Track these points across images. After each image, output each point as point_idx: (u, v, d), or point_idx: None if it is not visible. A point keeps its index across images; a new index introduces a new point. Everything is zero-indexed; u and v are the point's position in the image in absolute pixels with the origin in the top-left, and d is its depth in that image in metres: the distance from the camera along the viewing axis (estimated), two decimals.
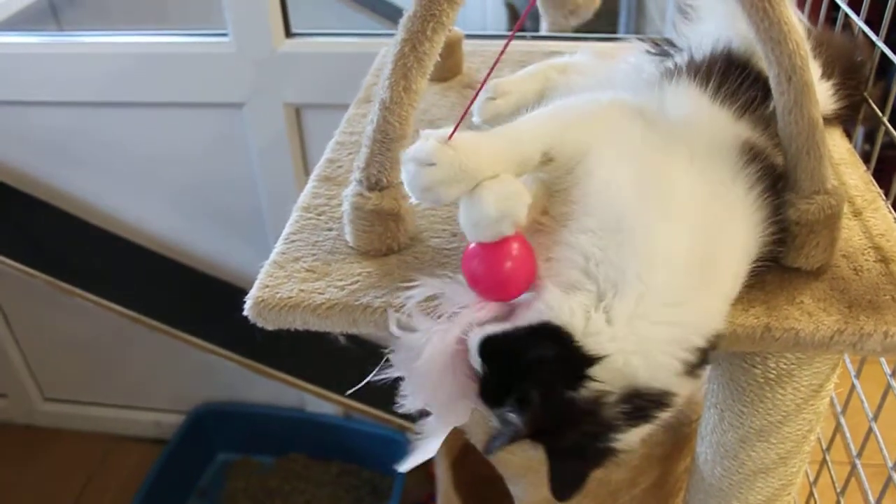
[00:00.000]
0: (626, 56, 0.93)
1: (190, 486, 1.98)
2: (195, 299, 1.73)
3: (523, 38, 1.40)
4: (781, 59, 0.66)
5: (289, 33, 1.51)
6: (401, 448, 1.86)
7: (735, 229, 0.68)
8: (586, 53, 1.00)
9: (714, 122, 0.73)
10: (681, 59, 0.83)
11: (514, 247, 0.64)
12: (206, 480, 2.01)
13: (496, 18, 2.33)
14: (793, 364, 0.75)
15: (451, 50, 1.07)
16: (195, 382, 2.03)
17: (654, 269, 0.63)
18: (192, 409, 2.02)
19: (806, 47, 0.67)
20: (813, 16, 1.14)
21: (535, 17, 1.91)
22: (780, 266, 0.73)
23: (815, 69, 0.86)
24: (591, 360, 0.61)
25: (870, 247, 0.76)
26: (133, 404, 2.13)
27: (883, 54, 0.93)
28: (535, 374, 0.62)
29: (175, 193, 1.70)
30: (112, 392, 2.13)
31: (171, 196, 1.71)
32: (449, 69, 1.08)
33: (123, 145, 1.65)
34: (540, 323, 0.62)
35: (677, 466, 1.00)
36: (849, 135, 0.97)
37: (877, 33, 0.93)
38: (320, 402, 1.95)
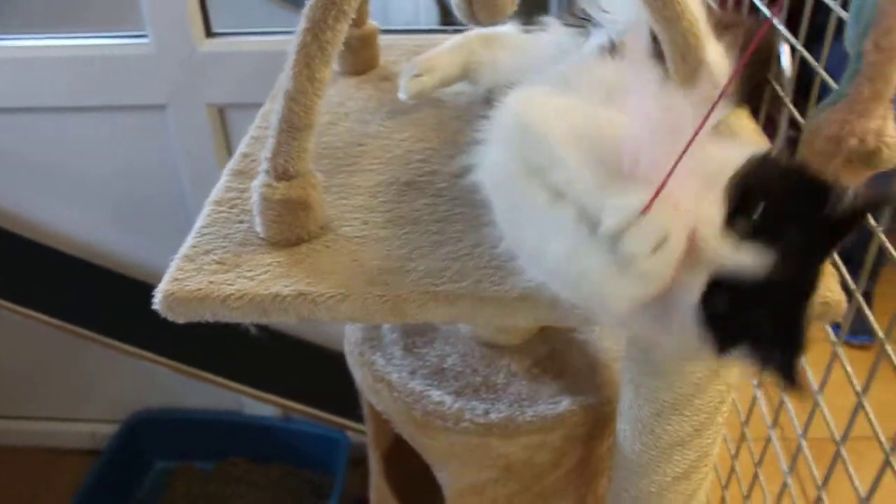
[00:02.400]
0: (547, 30, 0.94)
1: (127, 496, 1.95)
2: (125, 305, 1.70)
3: (444, 31, 1.40)
4: (675, 37, 0.68)
5: (209, 33, 1.50)
6: (341, 447, 1.87)
7: None
8: (510, 26, 1.00)
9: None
10: (608, 35, 0.84)
11: None
12: (144, 489, 1.98)
13: (428, 13, 2.34)
14: None
15: (367, 43, 1.07)
16: (130, 390, 2.00)
17: None
18: (127, 417, 1.99)
19: (701, 27, 0.69)
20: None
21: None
22: None
23: (716, 48, 0.88)
24: None
25: None
26: (68, 416, 2.09)
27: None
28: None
29: (99, 198, 1.67)
30: (46, 405, 2.09)
31: (95, 201, 1.68)
32: (365, 62, 1.08)
33: (44, 152, 1.62)
34: None
35: (600, 446, 1.01)
36: (756, 115, 1.00)
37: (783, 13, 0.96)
38: (258, 405, 1.93)
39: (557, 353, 1.03)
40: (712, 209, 0.54)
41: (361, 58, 1.07)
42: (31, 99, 1.55)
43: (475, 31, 0.99)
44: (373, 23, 1.06)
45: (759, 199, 0.54)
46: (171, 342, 1.73)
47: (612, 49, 0.81)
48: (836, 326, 0.80)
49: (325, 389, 1.83)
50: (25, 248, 1.72)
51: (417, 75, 0.94)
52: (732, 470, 1.15)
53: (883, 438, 0.74)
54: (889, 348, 0.74)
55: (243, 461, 2.00)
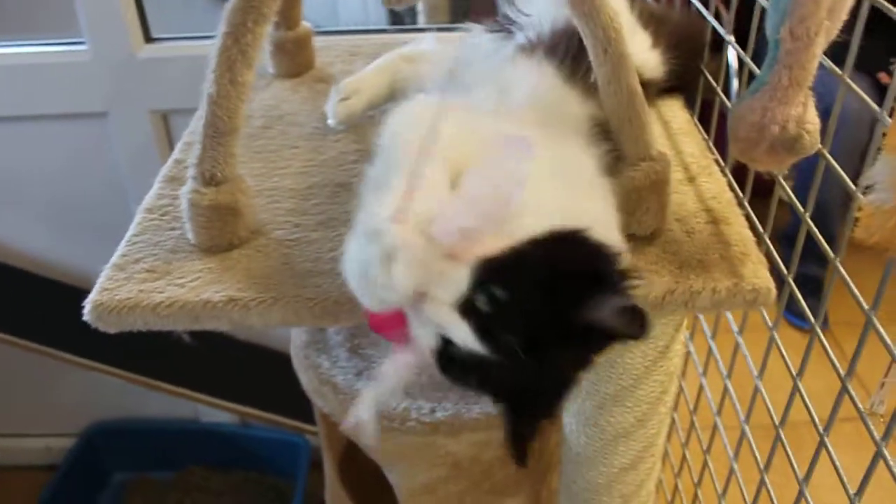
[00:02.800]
0: (468, 38, 0.94)
1: None
2: (72, 316, 1.68)
3: (384, 31, 1.40)
4: (596, 31, 0.68)
5: (148, 38, 1.47)
6: (301, 451, 1.86)
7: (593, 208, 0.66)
8: (430, 40, 1.01)
9: (563, 101, 0.74)
10: (526, 36, 0.84)
11: None
12: (103, 502, 1.95)
13: (378, 13, 2.33)
14: None
15: (301, 45, 1.06)
16: (84, 402, 1.96)
17: None
18: (82, 430, 1.96)
19: (621, 20, 0.69)
20: None
21: (415, 13, 1.93)
22: None
23: (644, 39, 0.89)
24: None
25: (702, 209, 0.79)
26: (20, 432, 2.05)
27: (715, 30, 0.96)
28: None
29: (41, 208, 1.64)
30: None
31: (36, 211, 1.65)
32: (300, 64, 1.07)
33: None
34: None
35: (549, 441, 1.01)
36: (692, 106, 1.01)
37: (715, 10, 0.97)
38: (215, 412, 1.91)
39: None
40: (458, 273, 0.55)
41: (296, 60, 1.06)
42: None
43: (398, 51, 0.99)
44: (306, 24, 1.05)
45: (500, 287, 0.55)
46: (121, 352, 1.71)
47: (531, 49, 0.81)
48: (791, 313, 0.81)
49: (283, 394, 1.81)
50: None
51: (344, 98, 0.93)
52: (684, 458, 1.16)
53: (818, 420, 0.75)
54: (820, 333, 0.75)
55: (202, 469, 1.97)
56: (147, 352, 1.75)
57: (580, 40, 0.74)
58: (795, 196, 0.82)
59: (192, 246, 0.77)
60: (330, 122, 0.95)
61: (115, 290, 0.72)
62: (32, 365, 1.79)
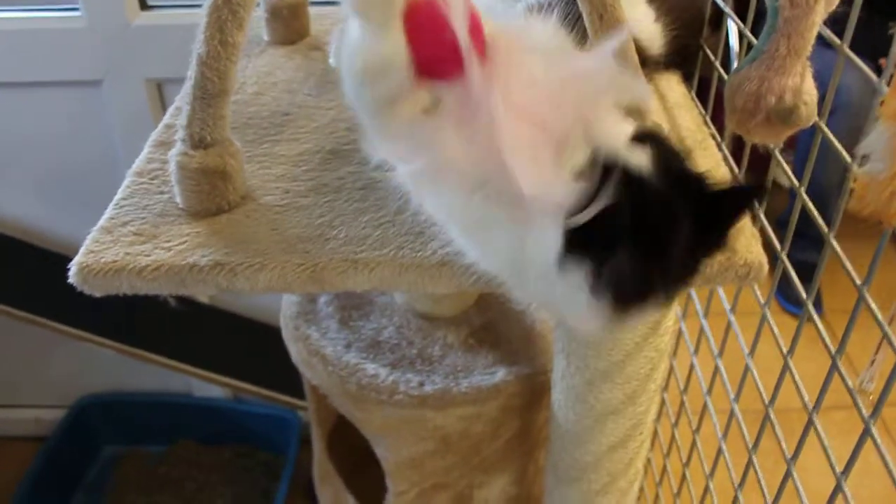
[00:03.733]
0: None
1: (75, 482, 1.92)
2: (63, 286, 1.67)
3: None
4: None
5: (144, 5, 1.46)
6: (292, 426, 1.85)
7: None
8: None
9: None
10: None
11: None
12: (92, 475, 1.94)
13: None
14: None
15: (297, 13, 1.05)
16: (75, 374, 1.96)
17: None
18: (73, 402, 1.95)
19: None
20: None
21: None
22: None
23: (647, 12, 0.88)
24: None
25: None
26: (10, 402, 2.04)
27: (716, 4, 0.95)
28: None
29: (34, 177, 1.63)
30: None
31: (30, 180, 1.63)
32: (295, 31, 1.06)
33: None
34: None
35: (538, 417, 1.01)
36: (690, 80, 1.00)
37: None
38: (207, 386, 1.91)
39: (494, 324, 1.02)
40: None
41: (291, 27, 1.05)
42: None
43: None
44: None
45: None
46: (113, 323, 1.70)
47: (541, 8, 0.79)
48: (785, 299, 0.80)
49: (275, 369, 1.81)
50: None
51: None
52: (673, 438, 1.15)
53: (807, 399, 0.74)
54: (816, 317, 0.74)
55: (194, 443, 1.97)
56: (140, 323, 1.74)
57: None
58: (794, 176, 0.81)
59: (181, 210, 0.76)
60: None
61: (101, 253, 0.72)
62: (23, 335, 1.78)
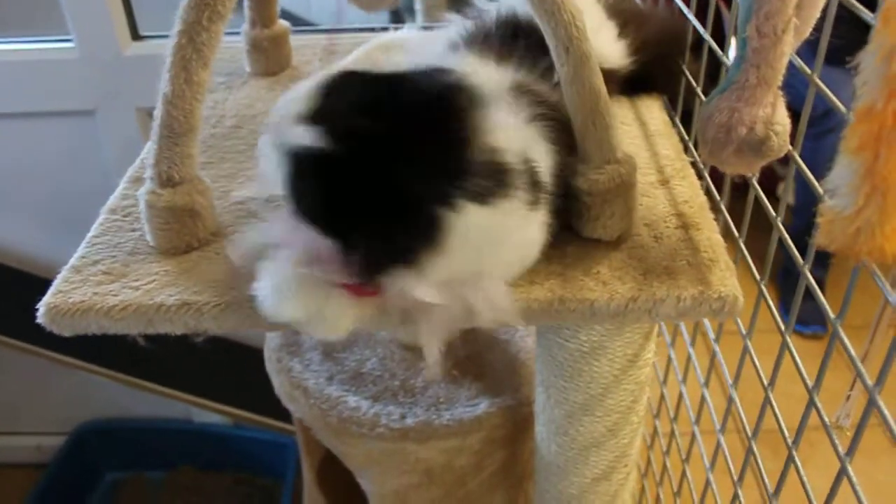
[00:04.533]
0: (448, 27, 0.92)
1: None
2: None
3: (364, 30, 1.38)
4: (557, 30, 0.66)
5: (136, 35, 1.46)
6: (290, 452, 1.84)
7: None
8: (411, 29, 0.99)
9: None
10: (473, 26, 0.83)
11: None
12: (93, 501, 1.94)
13: (352, 11, 2.31)
14: (603, 336, 0.75)
15: (278, 43, 1.04)
16: (76, 401, 1.96)
17: None
18: (74, 428, 1.95)
19: (583, 18, 0.67)
20: None
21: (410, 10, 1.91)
22: (581, 239, 0.73)
23: (609, 29, 0.87)
24: None
25: (673, 214, 0.77)
26: (11, 430, 2.05)
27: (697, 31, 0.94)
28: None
29: (30, 206, 1.64)
30: None
31: (25, 210, 1.64)
32: (277, 63, 1.05)
33: None
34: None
35: (524, 448, 1.00)
36: (673, 106, 0.99)
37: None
38: (207, 412, 1.90)
39: (478, 354, 1.01)
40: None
41: (273, 58, 1.05)
42: None
43: (376, 41, 0.98)
44: (283, 22, 1.04)
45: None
46: (110, 352, 1.70)
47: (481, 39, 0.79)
48: (797, 323, 0.79)
49: (273, 395, 1.81)
50: None
51: None
52: (665, 467, 1.13)
53: (787, 436, 0.73)
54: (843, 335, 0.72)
55: (193, 470, 1.97)
56: (137, 352, 1.74)
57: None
58: (794, 195, 0.80)
59: (151, 248, 0.75)
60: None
61: (70, 293, 0.71)
62: (23, 363, 1.78)
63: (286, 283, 0.62)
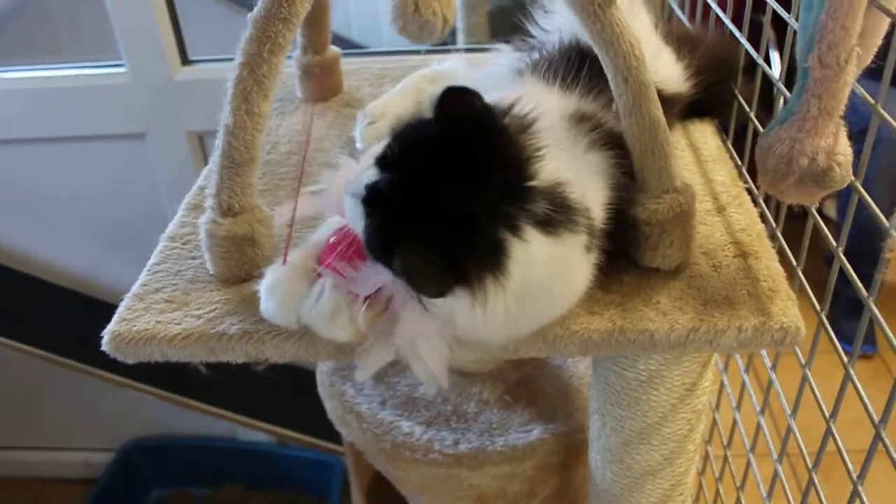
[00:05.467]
0: (497, 58, 0.93)
1: None
2: None
3: (409, 52, 1.39)
4: (616, 60, 0.66)
5: (185, 60, 1.49)
6: (335, 471, 1.85)
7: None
8: (457, 60, 1.00)
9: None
10: (537, 53, 0.83)
11: None
12: None
13: (391, 34, 2.31)
14: (661, 365, 0.75)
15: (329, 70, 1.06)
16: (123, 418, 1.99)
17: None
18: (121, 445, 1.98)
19: (641, 48, 0.67)
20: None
21: (454, 31, 1.91)
22: (639, 268, 0.73)
23: (666, 53, 0.87)
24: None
25: (730, 242, 0.76)
26: (61, 445, 2.08)
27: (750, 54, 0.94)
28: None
29: (83, 228, 1.67)
30: (38, 435, 2.08)
31: (79, 231, 1.67)
32: (328, 88, 1.07)
33: (26, 183, 1.62)
34: None
35: (576, 474, 0.99)
36: (725, 130, 0.98)
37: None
38: (252, 430, 1.92)
39: (530, 380, 1.01)
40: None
41: (324, 84, 1.06)
42: (9, 131, 1.54)
43: (421, 72, 0.99)
44: (335, 49, 1.05)
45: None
46: (158, 371, 1.72)
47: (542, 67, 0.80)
48: (841, 338, 0.78)
49: (318, 414, 1.82)
50: (9, 279, 1.71)
51: (371, 122, 0.92)
52: (718, 493, 1.12)
53: (851, 468, 0.72)
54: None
55: (238, 487, 1.98)
56: (183, 371, 1.76)
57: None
58: (836, 211, 0.79)
59: (211, 276, 0.76)
60: (358, 145, 0.94)
61: (134, 321, 0.72)
62: (74, 381, 1.81)
63: (278, 283, 0.68)
